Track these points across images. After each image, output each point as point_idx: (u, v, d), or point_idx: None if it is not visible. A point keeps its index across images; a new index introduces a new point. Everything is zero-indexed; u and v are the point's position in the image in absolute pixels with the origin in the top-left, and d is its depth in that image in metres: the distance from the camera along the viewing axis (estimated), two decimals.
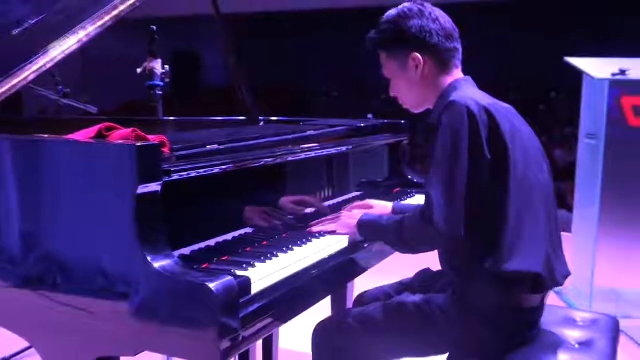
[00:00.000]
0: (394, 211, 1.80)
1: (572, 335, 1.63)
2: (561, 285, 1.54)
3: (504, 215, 1.43)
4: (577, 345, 1.58)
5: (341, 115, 2.39)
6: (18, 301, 1.36)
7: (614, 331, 1.68)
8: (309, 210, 1.78)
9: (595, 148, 3.30)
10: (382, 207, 1.81)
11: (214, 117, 2.57)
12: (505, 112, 1.49)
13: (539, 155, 1.56)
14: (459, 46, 1.60)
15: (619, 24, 6.60)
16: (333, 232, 1.63)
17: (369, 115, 2.41)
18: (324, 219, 1.72)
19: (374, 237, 1.62)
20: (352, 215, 1.67)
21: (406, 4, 1.59)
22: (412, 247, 1.53)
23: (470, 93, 1.51)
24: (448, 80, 1.58)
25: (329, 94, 8.86)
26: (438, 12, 1.57)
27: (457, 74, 1.60)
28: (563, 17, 6.82)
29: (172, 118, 2.54)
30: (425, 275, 1.79)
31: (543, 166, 1.55)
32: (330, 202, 1.90)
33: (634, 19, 6.23)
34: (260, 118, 2.40)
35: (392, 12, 1.60)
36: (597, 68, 3.31)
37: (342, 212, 1.74)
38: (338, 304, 2.24)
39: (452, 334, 1.51)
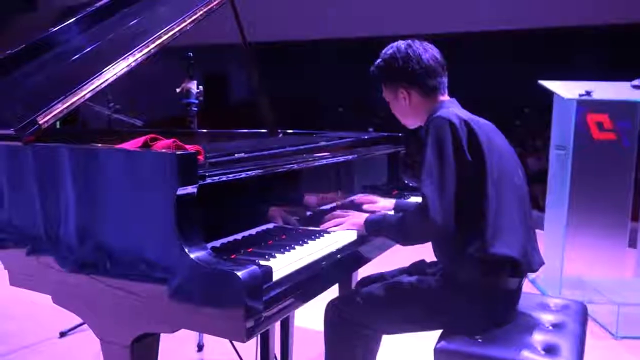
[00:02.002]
0: (396, 206, 1.86)
1: (547, 318, 1.60)
2: (536, 271, 1.55)
3: (484, 210, 1.45)
4: (550, 327, 1.55)
5: (346, 129, 2.40)
6: (74, 284, 1.35)
7: (583, 315, 1.65)
8: (321, 209, 1.77)
9: (564, 158, 3.29)
10: (385, 201, 1.87)
11: (240, 130, 2.56)
12: (483, 126, 1.52)
13: (514, 163, 1.57)
14: (444, 79, 1.63)
15: (580, 52, 6.59)
16: (343, 229, 1.63)
17: (370, 129, 2.39)
18: (335, 214, 1.72)
19: (378, 233, 1.62)
20: (360, 215, 1.67)
21: (399, 42, 1.63)
22: (411, 239, 1.54)
23: (452, 110, 1.53)
24: (435, 103, 1.62)
25: (335, 111, 8.87)
26: (423, 52, 1.59)
27: (444, 97, 1.63)
28: (533, 47, 6.82)
29: (204, 130, 2.54)
30: (420, 265, 1.78)
31: (518, 172, 1.57)
32: (339, 202, 1.88)
33: (594, 49, 6.23)
34: (279, 130, 2.40)
35: (386, 51, 1.65)
36: (565, 89, 3.29)
37: (350, 211, 1.74)
38: (344, 289, 2.22)
39: (442, 309, 1.51)
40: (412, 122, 1.70)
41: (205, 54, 2.43)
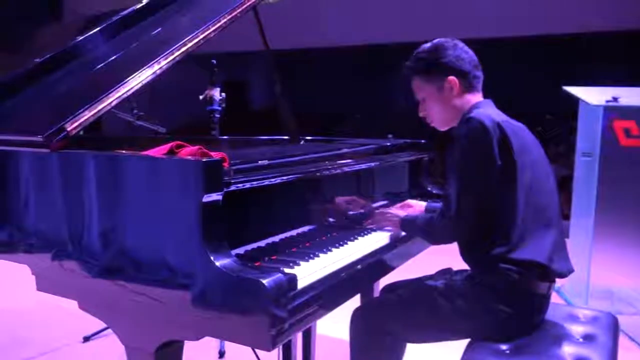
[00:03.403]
0: (427, 209, 1.89)
1: (576, 330, 1.56)
2: (565, 277, 1.52)
3: (513, 214, 1.44)
4: (581, 339, 1.51)
5: (364, 136, 2.40)
6: (98, 289, 1.36)
7: (614, 327, 1.60)
8: (346, 215, 1.76)
9: (591, 164, 3.23)
10: (419, 205, 1.91)
11: (261, 137, 2.57)
12: (516, 128, 1.50)
13: (546, 168, 1.56)
14: (482, 75, 1.64)
15: (602, 58, 6.48)
16: (381, 227, 1.69)
17: (389, 135, 2.38)
18: (375, 213, 1.76)
19: (412, 232, 1.67)
20: (396, 214, 1.72)
21: (440, 39, 1.63)
22: (437, 239, 1.59)
23: (487, 111, 1.52)
24: (472, 100, 1.60)
25: (353, 118, 8.87)
26: (466, 47, 1.63)
27: (479, 97, 1.63)
28: (554, 52, 6.73)
29: (225, 137, 2.55)
30: (446, 273, 1.75)
31: (550, 178, 1.56)
32: (362, 210, 1.87)
33: (616, 55, 6.13)
34: (300, 137, 2.39)
35: (428, 45, 1.64)
36: (591, 95, 3.24)
37: (388, 210, 1.78)
38: (366, 298, 2.20)
39: (470, 312, 1.49)
40: (446, 120, 1.64)
41: (225, 61, 2.45)
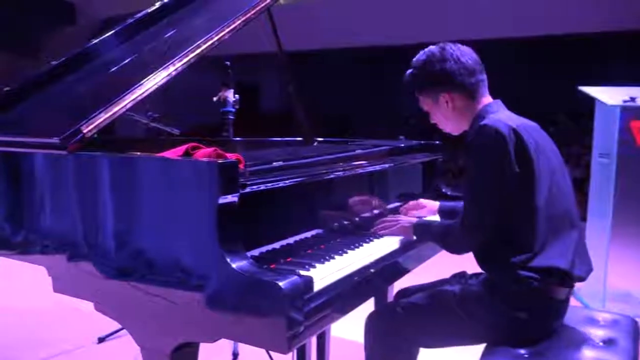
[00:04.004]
0: (440, 208, 1.86)
1: (596, 333, 1.53)
2: (585, 279, 1.49)
3: (533, 221, 1.40)
4: (601, 343, 1.48)
5: (376, 137, 2.39)
6: (114, 291, 1.36)
7: (634, 331, 1.57)
8: (359, 217, 1.75)
9: (608, 166, 3.18)
10: (432, 204, 1.87)
11: (275, 138, 2.56)
12: (531, 130, 1.47)
13: (562, 166, 1.53)
14: (483, 76, 1.56)
15: (616, 58, 6.40)
16: (393, 233, 1.65)
17: (401, 137, 2.36)
18: (385, 219, 1.72)
19: (425, 238, 1.63)
20: (409, 220, 1.67)
21: (431, 48, 1.56)
22: (453, 249, 1.55)
23: (500, 116, 1.48)
24: (479, 104, 1.55)
25: (365, 119, 8.84)
26: (459, 52, 1.53)
27: (486, 99, 1.57)
28: (567, 52, 6.67)
29: (238, 138, 2.55)
30: (461, 276, 1.73)
31: (565, 178, 1.53)
32: (376, 211, 1.86)
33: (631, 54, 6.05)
34: (314, 139, 2.39)
35: (420, 57, 1.58)
36: (608, 95, 3.19)
37: (400, 215, 1.74)
38: (380, 302, 2.19)
39: (487, 318, 1.46)
40: (456, 127, 1.62)
41: (235, 63, 2.45)
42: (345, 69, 8.12)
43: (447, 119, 1.60)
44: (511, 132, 1.40)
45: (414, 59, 1.60)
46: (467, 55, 1.54)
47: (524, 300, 1.42)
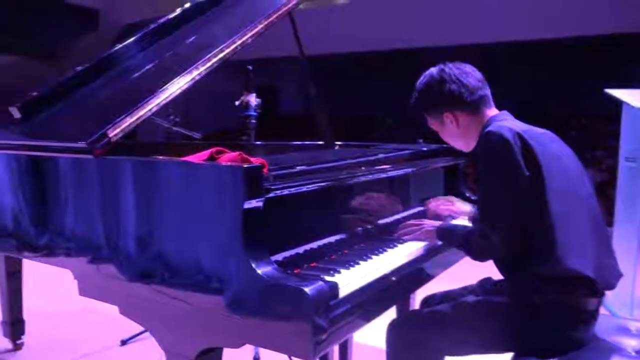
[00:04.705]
0: (473, 216, 1.81)
1: (628, 343, 1.48)
2: (614, 287, 1.45)
3: (549, 226, 1.37)
4: (634, 354, 1.44)
5: (394, 141, 2.37)
6: (136, 294, 1.37)
7: None
8: (382, 222, 1.73)
9: (635, 169, 3.10)
10: (461, 203, 1.87)
11: (295, 142, 2.56)
12: (539, 136, 1.45)
13: (578, 172, 1.49)
14: (486, 91, 1.59)
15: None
16: (417, 238, 1.63)
17: (419, 140, 2.34)
18: (408, 223, 1.70)
19: (449, 243, 1.61)
20: (432, 224, 1.66)
21: (431, 70, 1.60)
22: (475, 254, 1.51)
23: (502, 123, 1.48)
24: (485, 118, 1.57)
25: (383, 123, 8.82)
26: (457, 71, 1.57)
27: (491, 112, 1.58)
28: (588, 55, 6.55)
29: (259, 142, 2.55)
30: (487, 283, 1.70)
31: (584, 181, 1.49)
32: (399, 216, 1.84)
33: None
34: (335, 143, 2.37)
35: (422, 80, 1.63)
36: (636, 98, 3.11)
37: (425, 220, 1.72)
38: (402, 308, 2.16)
39: (513, 331, 1.43)
40: (465, 144, 1.64)
41: (258, 67, 2.45)
42: (359, 73, 8.11)
43: (455, 136, 1.63)
44: (515, 137, 1.39)
45: (418, 82, 1.64)
46: (466, 73, 1.57)
47: (552, 312, 1.39)
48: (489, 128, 1.45)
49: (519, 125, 1.47)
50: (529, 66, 6.58)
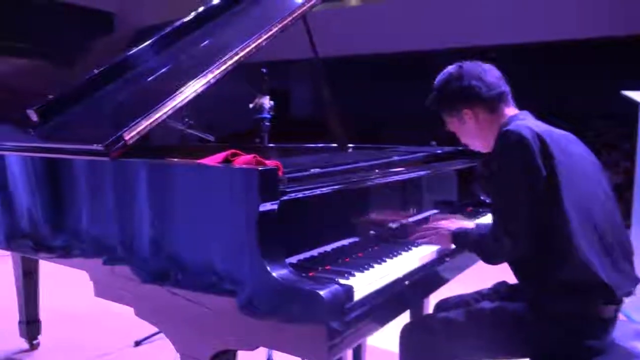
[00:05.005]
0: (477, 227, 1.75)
1: None
2: (632, 294, 1.42)
3: (566, 230, 1.35)
4: None
5: (407, 144, 2.36)
6: (151, 296, 1.38)
7: None
8: (397, 225, 1.72)
9: None
10: (465, 221, 1.77)
11: (308, 144, 2.56)
12: (559, 138, 1.43)
13: (598, 176, 1.47)
14: (505, 88, 1.56)
15: None
16: (431, 241, 1.61)
17: (432, 142, 2.32)
18: (423, 227, 1.69)
19: (463, 247, 1.58)
20: (447, 228, 1.64)
21: (448, 68, 1.59)
22: (489, 259, 1.49)
23: (522, 122, 1.46)
24: (504, 116, 1.54)
25: (396, 125, 8.79)
26: (477, 68, 1.56)
27: (511, 111, 1.56)
28: (605, 56, 6.47)
29: (272, 145, 2.55)
30: (501, 287, 1.68)
31: (603, 185, 1.47)
32: (413, 219, 1.82)
33: None
34: (349, 145, 2.36)
35: (440, 78, 1.61)
36: None
37: (440, 223, 1.69)
38: (415, 312, 2.14)
39: (529, 338, 1.41)
40: (484, 143, 1.61)
41: (270, 70, 2.46)
42: (370, 75, 8.10)
43: (473, 135, 1.60)
44: (535, 137, 1.37)
45: (435, 81, 1.62)
46: (485, 71, 1.55)
47: (569, 321, 1.37)
48: (508, 127, 1.43)
49: (540, 126, 1.45)
50: (544, 67, 6.53)
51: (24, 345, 2.62)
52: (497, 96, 1.54)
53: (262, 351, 2.51)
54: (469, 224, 1.76)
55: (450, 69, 1.59)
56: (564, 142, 1.43)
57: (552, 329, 1.38)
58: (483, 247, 1.48)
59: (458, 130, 1.63)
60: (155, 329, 2.51)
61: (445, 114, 1.63)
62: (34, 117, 1.78)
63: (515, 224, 1.37)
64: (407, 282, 1.37)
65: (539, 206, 1.36)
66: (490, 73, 1.56)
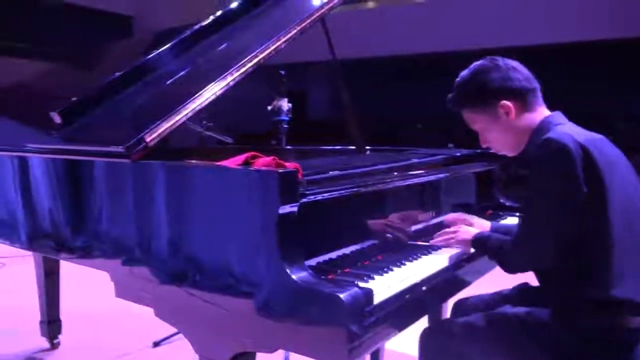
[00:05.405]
0: (492, 229, 1.72)
1: None
2: None
3: (607, 247, 1.29)
4: None
5: (425, 146, 2.34)
6: (170, 297, 1.38)
7: None
8: (416, 228, 1.71)
9: None
10: (480, 222, 1.75)
11: (326, 147, 2.55)
12: (598, 143, 1.36)
13: (634, 179, 1.41)
14: (537, 84, 1.49)
15: None
16: (450, 245, 1.59)
17: (450, 145, 2.30)
18: (443, 231, 1.66)
19: (483, 252, 1.55)
20: (468, 232, 1.60)
21: (478, 62, 1.50)
22: (507, 267, 1.46)
23: (564, 129, 1.39)
24: (537, 118, 1.46)
25: (414, 127, 8.75)
26: (508, 61, 1.48)
27: (544, 110, 1.49)
28: (625, 58, 6.34)
29: (289, 147, 2.55)
30: (523, 290, 1.65)
31: (637, 186, 1.41)
32: (432, 222, 1.81)
33: None
34: (367, 147, 2.36)
35: (466, 72, 1.51)
36: None
37: (459, 226, 1.66)
38: (433, 315, 2.12)
39: (555, 348, 1.37)
40: (514, 144, 1.50)
41: (287, 72, 2.46)
42: (387, 76, 8.07)
43: (504, 134, 1.48)
44: (578, 148, 1.29)
45: (459, 78, 1.52)
46: (517, 64, 1.48)
47: (598, 333, 1.33)
48: (550, 134, 1.35)
49: (580, 132, 1.37)
50: (566, 68, 6.44)
51: (45, 344, 2.66)
52: (533, 91, 1.46)
53: (279, 353, 2.51)
54: (484, 222, 1.74)
55: (478, 63, 1.49)
56: (602, 147, 1.36)
57: (577, 338, 1.34)
58: (503, 255, 1.45)
59: (487, 127, 1.50)
60: (174, 330, 2.52)
61: (474, 111, 1.50)
62: (57, 119, 1.81)
63: (539, 239, 1.34)
64: (427, 286, 1.36)
65: (578, 222, 1.30)
66: (522, 66, 1.48)
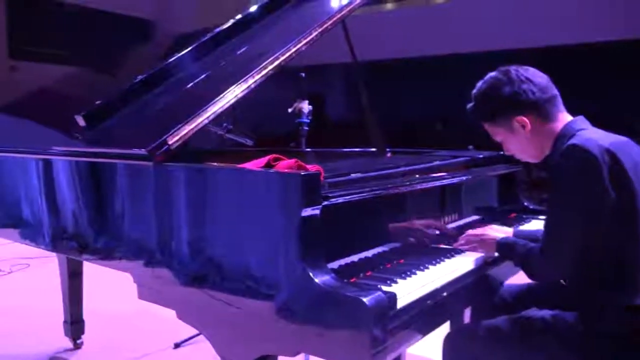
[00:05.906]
0: (515, 234, 1.67)
1: None
2: None
3: (636, 249, 1.27)
4: None
5: (444, 147, 2.31)
6: (191, 299, 1.39)
7: None
8: (438, 231, 1.69)
9: None
10: (501, 229, 1.70)
11: (347, 149, 2.54)
12: (624, 147, 1.33)
13: None
14: (556, 91, 1.45)
15: None
16: (475, 249, 1.57)
17: (470, 146, 2.27)
18: (467, 234, 1.63)
19: (507, 257, 1.52)
20: (493, 236, 1.57)
21: (492, 74, 1.47)
22: (533, 275, 1.44)
23: (588, 134, 1.35)
24: (558, 126, 1.43)
25: (433, 128, 8.69)
26: (524, 72, 1.44)
27: (565, 117, 1.45)
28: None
29: (309, 149, 2.55)
30: (552, 289, 1.60)
31: None
32: (455, 224, 1.79)
33: None
34: (387, 149, 2.34)
35: (482, 85, 1.49)
36: None
37: (483, 229, 1.64)
38: (455, 319, 2.09)
39: (582, 353, 1.34)
40: (536, 153, 1.49)
41: (307, 74, 2.46)
42: (407, 78, 8.02)
43: (525, 145, 1.47)
44: (604, 154, 1.27)
45: (475, 90, 1.50)
46: (533, 74, 1.44)
47: (625, 339, 1.30)
48: (574, 140, 1.32)
49: (604, 137, 1.34)
50: (585, 69, 6.32)
51: (68, 344, 2.69)
52: (550, 100, 1.43)
53: (300, 356, 2.50)
54: (507, 230, 1.70)
55: (493, 74, 1.47)
56: (632, 152, 1.33)
57: (605, 342, 1.32)
58: (528, 261, 1.42)
59: (506, 139, 1.50)
60: (195, 331, 2.53)
61: (491, 124, 1.50)
62: (82, 122, 1.83)
63: (565, 247, 1.32)
64: (450, 290, 1.34)
65: (605, 228, 1.28)
66: (539, 75, 1.45)
